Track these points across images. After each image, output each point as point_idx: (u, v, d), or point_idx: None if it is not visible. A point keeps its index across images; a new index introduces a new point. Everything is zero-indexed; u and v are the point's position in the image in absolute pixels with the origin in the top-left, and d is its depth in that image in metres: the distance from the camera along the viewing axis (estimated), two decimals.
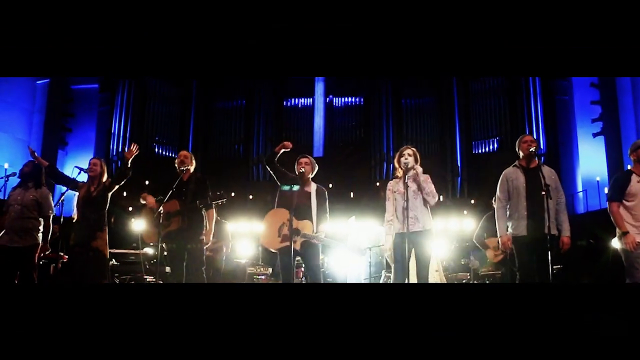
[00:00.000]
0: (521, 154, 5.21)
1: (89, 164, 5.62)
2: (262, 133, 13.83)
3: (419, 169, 5.20)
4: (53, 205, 5.83)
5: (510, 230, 5.13)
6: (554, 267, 4.71)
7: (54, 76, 12.86)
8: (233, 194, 10.63)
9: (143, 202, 5.50)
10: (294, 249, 5.12)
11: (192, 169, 5.59)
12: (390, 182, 5.33)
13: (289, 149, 5.47)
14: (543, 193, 4.79)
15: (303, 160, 5.39)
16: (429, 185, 5.17)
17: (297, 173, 5.34)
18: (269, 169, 5.57)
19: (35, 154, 5.85)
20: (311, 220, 5.25)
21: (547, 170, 5.01)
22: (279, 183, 5.45)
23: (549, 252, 4.65)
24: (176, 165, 5.52)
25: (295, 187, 5.25)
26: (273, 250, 5.65)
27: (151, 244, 5.66)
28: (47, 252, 5.82)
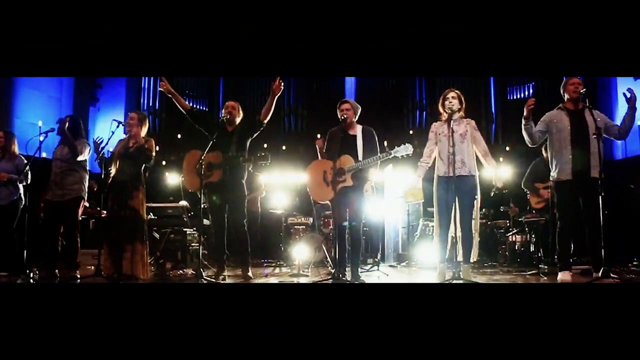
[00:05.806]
0: (567, 96, 5.04)
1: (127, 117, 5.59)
2: (292, 83, 13.62)
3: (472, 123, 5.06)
4: (86, 154, 5.69)
5: (553, 174, 5.02)
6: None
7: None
8: (265, 145, 10.62)
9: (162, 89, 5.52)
10: (345, 186, 5.03)
11: (238, 120, 5.53)
12: (434, 123, 5.14)
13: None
14: (594, 136, 4.65)
15: (344, 106, 5.16)
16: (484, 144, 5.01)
17: (340, 119, 5.18)
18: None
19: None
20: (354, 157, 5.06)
21: (595, 113, 4.86)
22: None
23: (600, 197, 4.54)
24: (223, 115, 5.44)
25: None
26: (323, 203, 5.58)
27: (190, 191, 5.62)
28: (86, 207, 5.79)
